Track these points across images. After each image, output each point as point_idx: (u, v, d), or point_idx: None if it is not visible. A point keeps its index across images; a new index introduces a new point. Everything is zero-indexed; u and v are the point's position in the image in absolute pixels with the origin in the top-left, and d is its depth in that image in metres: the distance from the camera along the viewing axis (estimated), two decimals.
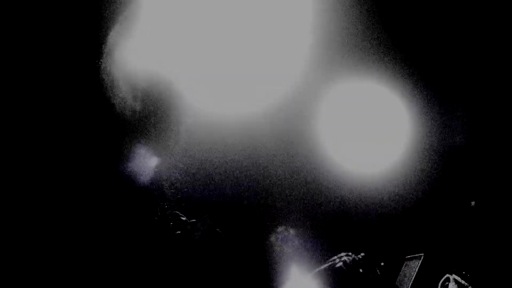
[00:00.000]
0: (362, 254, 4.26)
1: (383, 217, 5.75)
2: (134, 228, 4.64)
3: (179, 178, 5.29)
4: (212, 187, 5.47)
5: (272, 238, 5.28)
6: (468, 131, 5.71)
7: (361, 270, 4.20)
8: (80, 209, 4.48)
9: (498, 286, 4.12)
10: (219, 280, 4.62)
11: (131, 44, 4.85)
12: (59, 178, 4.49)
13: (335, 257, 4.41)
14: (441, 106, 5.80)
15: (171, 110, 5.16)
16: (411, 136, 5.84)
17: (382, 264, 4.24)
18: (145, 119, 5.02)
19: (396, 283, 4.76)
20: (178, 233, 4.73)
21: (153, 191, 4.89)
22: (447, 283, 4.04)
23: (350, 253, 4.27)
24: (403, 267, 4.90)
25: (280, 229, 5.23)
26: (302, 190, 5.78)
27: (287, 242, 5.17)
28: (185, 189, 5.31)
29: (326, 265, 4.36)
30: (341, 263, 4.21)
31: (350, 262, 4.21)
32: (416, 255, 4.75)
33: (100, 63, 4.66)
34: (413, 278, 4.53)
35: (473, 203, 5.50)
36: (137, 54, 4.90)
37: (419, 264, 4.58)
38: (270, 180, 5.67)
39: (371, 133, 5.86)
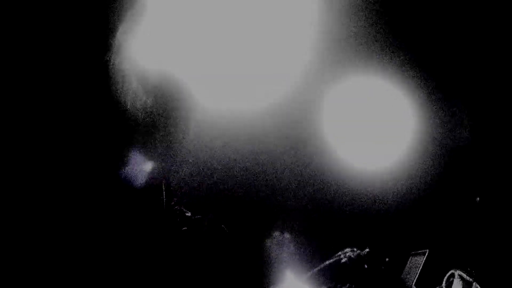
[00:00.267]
0: (367, 249, 4.27)
1: (388, 213, 5.75)
2: (141, 223, 4.66)
3: (188, 172, 5.31)
4: (219, 183, 5.50)
5: (271, 240, 5.29)
6: (473, 126, 5.69)
7: (366, 266, 4.21)
8: (90, 201, 4.50)
9: (503, 282, 4.12)
10: (223, 276, 4.65)
11: (139, 41, 4.87)
12: (66, 173, 4.51)
13: (340, 252, 4.42)
14: (446, 101, 5.78)
15: (180, 106, 5.18)
16: (416, 132, 5.83)
17: (387, 259, 4.25)
18: (155, 114, 5.04)
19: (401, 279, 4.77)
20: (184, 229, 4.75)
21: (160, 186, 4.90)
22: (452, 279, 4.04)
23: (355, 249, 4.28)
24: (408, 262, 4.90)
25: (277, 233, 5.24)
26: (307, 186, 5.80)
27: (285, 246, 5.18)
28: (194, 184, 5.33)
29: (331, 260, 4.37)
30: (346, 259, 4.22)
31: (355, 257, 4.22)
32: (421, 251, 4.75)
33: (108, 59, 4.68)
34: (417, 273, 4.53)
35: (478, 199, 5.49)
36: (144, 51, 4.92)
37: (424, 260, 4.58)
38: (275, 176, 5.69)
39: (376, 129, 5.86)
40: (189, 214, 4.91)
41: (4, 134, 4.31)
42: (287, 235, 5.31)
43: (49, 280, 4.23)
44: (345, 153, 5.84)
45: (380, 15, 5.62)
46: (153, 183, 4.88)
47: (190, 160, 5.29)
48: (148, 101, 4.99)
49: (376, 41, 5.69)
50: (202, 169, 5.43)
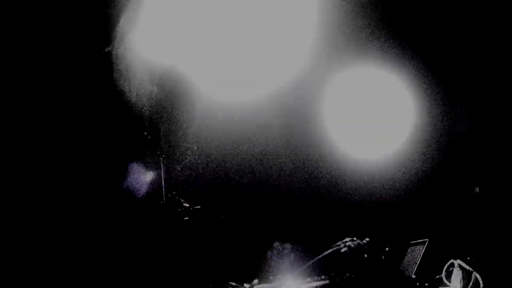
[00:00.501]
0: (367, 239, 4.26)
1: (388, 202, 5.76)
2: (142, 215, 4.66)
3: (193, 161, 5.30)
4: (224, 171, 5.51)
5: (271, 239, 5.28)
6: (473, 116, 5.69)
7: (365, 255, 4.20)
8: (94, 194, 4.51)
9: (502, 272, 4.12)
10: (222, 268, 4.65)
11: (143, 31, 4.84)
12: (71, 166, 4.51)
13: (340, 242, 4.41)
14: (446, 91, 5.78)
15: (185, 98, 5.17)
16: (416, 121, 5.83)
17: (387, 249, 4.24)
18: (160, 106, 5.03)
19: (400, 268, 4.78)
20: (186, 219, 4.74)
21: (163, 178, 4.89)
22: (451, 268, 4.04)
23: (354, 238, 4.27)
24: (408, 252, 4.91)
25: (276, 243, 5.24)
26: (306, 174, 5.81)
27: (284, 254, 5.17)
28: (198, 171, 5.32)
29: (331, 250, 4.36)
30: (345, 248, 4.21)
31: (354, 247, 4.21)
32: (420, 240, 4.76)
33: (111, 49, 4.65)
34: (417, 263, 4.54)
35: (477, 189, 5.50)
36: (148, 41, 4.89)
37: (423, 250, 4.59)
38: (276, 165, 5.70)
39: (376, 119, 5.86)
40: (187, 204, 4.90)
41: (4, 125, 4.30)
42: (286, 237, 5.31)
43: (48, 271, 4.23)
44: (345, 144, 5.84)
45: (380, 9, 5.62)
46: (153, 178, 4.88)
47: (194, 148, 5.29)
48: (154, 90, 4.97)
49: (376, 31, 5.68)
50: (207, 157, 5.43)
